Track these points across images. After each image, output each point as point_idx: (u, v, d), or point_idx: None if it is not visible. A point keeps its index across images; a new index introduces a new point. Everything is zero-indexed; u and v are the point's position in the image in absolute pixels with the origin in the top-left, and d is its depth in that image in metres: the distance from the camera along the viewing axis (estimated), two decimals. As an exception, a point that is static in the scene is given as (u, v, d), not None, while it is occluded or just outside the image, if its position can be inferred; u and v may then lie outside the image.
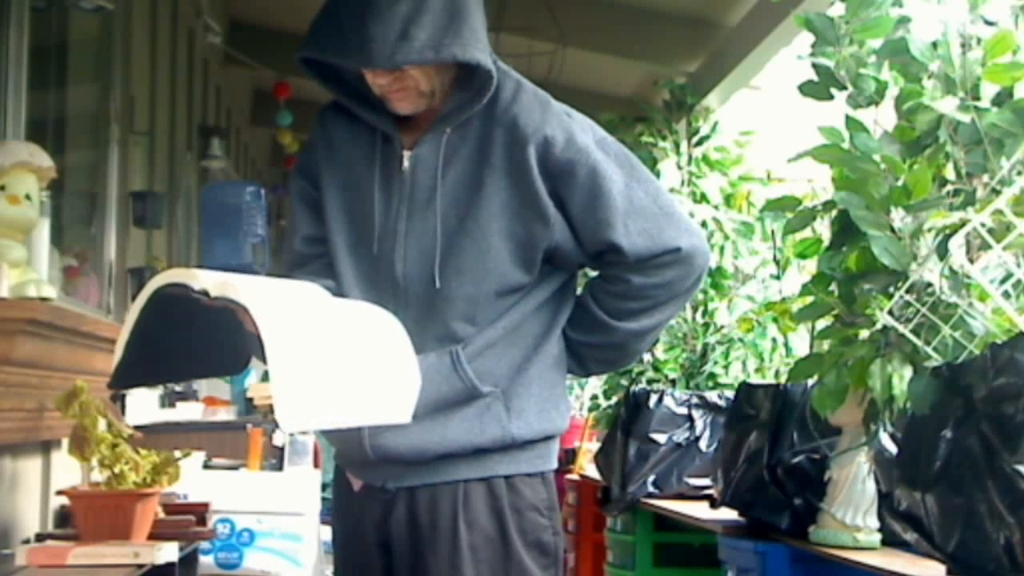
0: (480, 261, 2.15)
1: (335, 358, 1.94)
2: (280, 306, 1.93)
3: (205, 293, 1.95)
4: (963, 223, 2.17)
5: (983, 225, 2.17)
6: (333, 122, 2.28)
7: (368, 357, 2.00)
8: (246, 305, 1.89)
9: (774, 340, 4.73)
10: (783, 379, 3.66)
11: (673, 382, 5.02)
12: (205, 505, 3.07)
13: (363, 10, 2.06)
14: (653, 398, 4.23)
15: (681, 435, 4.20)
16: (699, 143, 5.47)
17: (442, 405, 2.14)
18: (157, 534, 2.62)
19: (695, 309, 5.16)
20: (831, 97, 2.44)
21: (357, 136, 2.25)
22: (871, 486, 2.61)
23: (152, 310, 2.05)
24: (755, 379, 4.61)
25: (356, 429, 2.17)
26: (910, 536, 2.09)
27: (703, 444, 4.19)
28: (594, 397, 5.44)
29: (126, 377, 2.15)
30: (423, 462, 2.17)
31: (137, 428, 2.83)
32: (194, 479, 3.40)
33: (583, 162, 2.15)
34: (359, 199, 2.23)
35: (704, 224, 5.29)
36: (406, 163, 2.20)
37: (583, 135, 2.18)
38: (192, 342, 2.14)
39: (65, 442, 2.68)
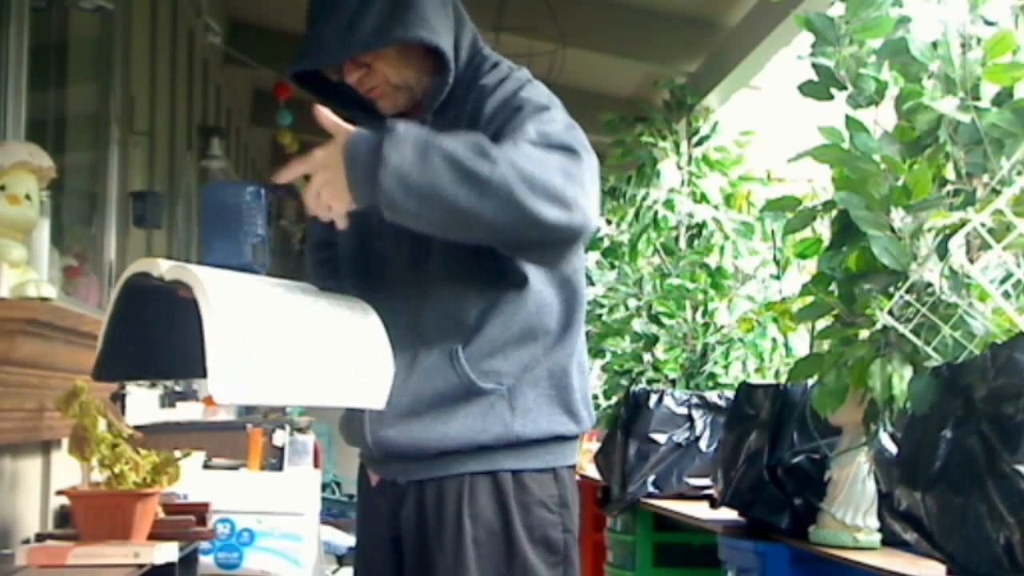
0: (465, 247, 2.11)
1: (289, 335, 1.94)
2: (228, 285, 1.93)
3: (162, 278, 1.97)
4: (963, 223, 2.16)
5: (983, 225, 2.16)
6: None
7: (333, 339, 1.99)
8: (190, 283, 1.90)
9: (774, 340, 4.73)
10: (783, 379, 3.67)
11: (673, 382, 5.02)
12: (205, 505, 3.07)
13: (316, 16, 2.16)
14: (653, 398, 4.23)
15: (681, 435, 4.20)
16: (699, 143, 5.46)
17: (439, 401, 2.13)
18: (157, 534, 2.62)
19: (695, 309, 5.16)
20: (831, 97, 2.44)
21: None
22: (871, 486, 2.61)
23: (129, 302, 2.07)
24: (755, 379, 4.61)
25: (359, 423, 2.18)
26: (910, 536, 2.09)
27: (703, 444, 4.18)
28: (594, 397, 5.43)
29: (109, 369, 2.16)
30: (425, 457, 2.17)
31: (137, 428, 2.83)
32: (194, 479, 3.40)
33: (526, 104, 2.08)
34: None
35: (704, 224, 5.30)
36: None
37: (534, 93, 2.12)
38: (182, 340, 2.14)
39: (65, 442, 2.68)
